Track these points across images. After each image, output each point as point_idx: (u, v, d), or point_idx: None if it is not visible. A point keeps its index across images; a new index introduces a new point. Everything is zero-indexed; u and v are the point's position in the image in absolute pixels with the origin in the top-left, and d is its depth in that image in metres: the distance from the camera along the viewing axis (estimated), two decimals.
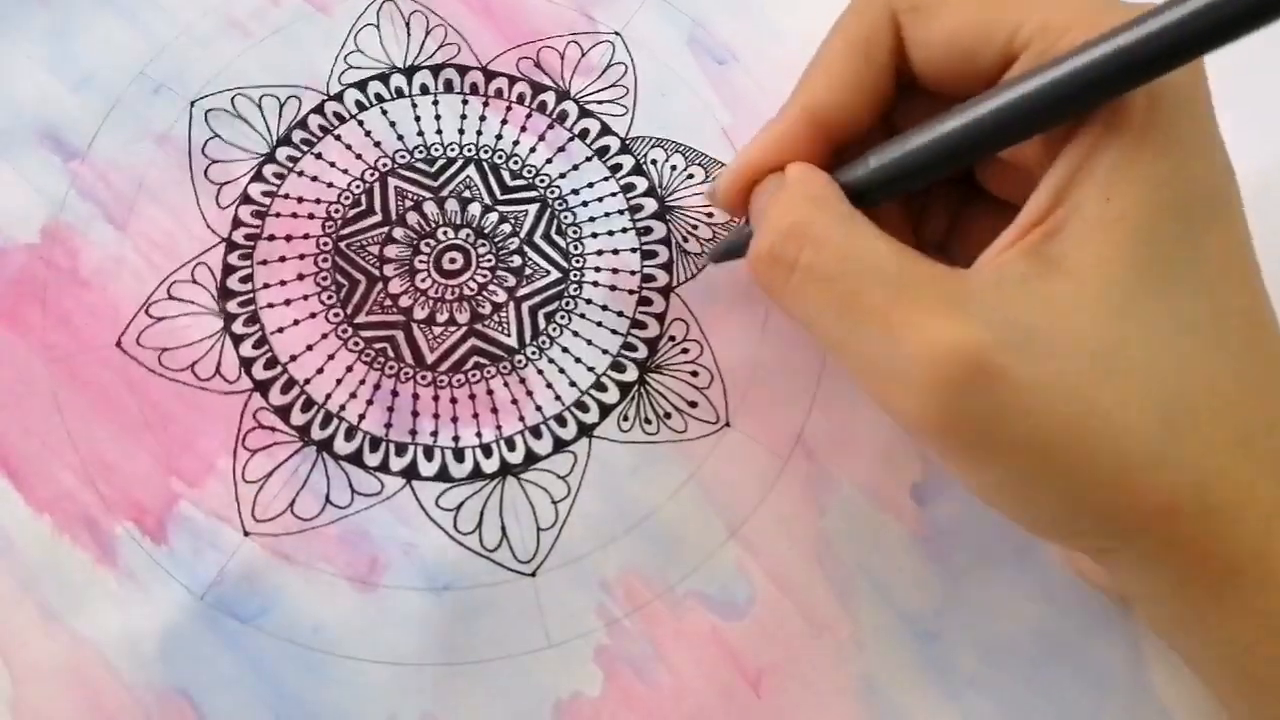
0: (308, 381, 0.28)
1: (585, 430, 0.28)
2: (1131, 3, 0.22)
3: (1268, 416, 0.21)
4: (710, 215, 0.31)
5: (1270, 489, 0.20)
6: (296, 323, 0.29)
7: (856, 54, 0.24)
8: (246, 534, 0.27)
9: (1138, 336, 0.20)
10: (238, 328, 0.28)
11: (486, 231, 0.30)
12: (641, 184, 0.31)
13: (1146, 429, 0.20)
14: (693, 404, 0.29)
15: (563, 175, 0.31)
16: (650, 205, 0.31)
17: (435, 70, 0.32)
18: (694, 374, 0.29)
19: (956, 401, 0.20)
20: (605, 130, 0.31)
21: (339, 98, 0.31)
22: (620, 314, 0.29)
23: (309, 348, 0.28)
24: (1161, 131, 0.21)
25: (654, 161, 0.31)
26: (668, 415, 0.28)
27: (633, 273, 0.30)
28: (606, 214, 0.31)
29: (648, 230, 0.30)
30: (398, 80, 0.31)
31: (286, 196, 0.30)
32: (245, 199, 0.30)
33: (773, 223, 0.23)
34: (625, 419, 0.28)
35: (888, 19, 0.24)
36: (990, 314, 0.20)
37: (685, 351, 0.29)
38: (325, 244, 0.29)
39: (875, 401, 0.23)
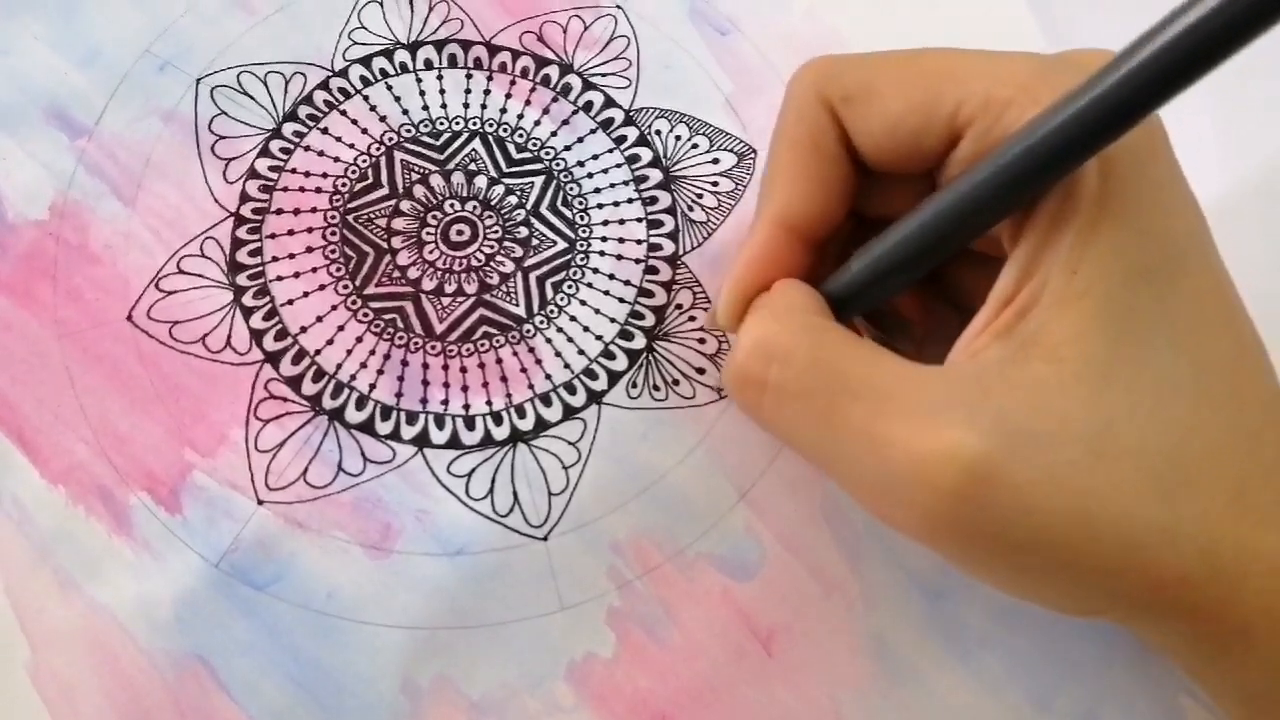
0: (318, 352, 0.28)
1: (595, 397, 0.28)
2: (1068, 55, 0.22)
3: (1263, 463, 0.21)
4: (715, 184, 0.31)
5: (1273, 541, 0.20)
6: (306, 295, 0.29)
7: (806, 152, 0.23)
8: (260, 502, 0.27)
9: (1123, 412, 0.20)
10: (248, 300, 0.29)
11: (493, 203, 0.30)
12: (646, 155, 0.31)
13: (1146, 507, 0.20)
14: (700, 370, 0.29)
15: (568, 148, 0.31)
16: (655, 175, 0.31)
17: (439, 45, 0.32)
18: (701, 341, 0.29)
19: (955, 511, 0.20)
20: (609, 102, 0.32)
21: (344, 74, 0.31)
22: (627, 282, 0.30)
23: (319, 319, 0.29)
24: (1118, 196, 0.20)
25: (658, 132, 0.31)
26: (676, 382, 0.29)
27: (639, 241, 0.30)
28: (612, 185, 0.31)
29: (653, 200, 0.31)
30: (402, 56, 0.32)
31: (294, 171, 0.30)
32: (253, 174, 0.30)
33: (740, 345, 0.22)
34: (634, 386, 0.29)
35: (825, 111, 0.23)
36: (974, 414, 0.20)
37: (692, 319, 0.29)
38: (333, 217, 0.30)
39: (871, 514, 0.22)
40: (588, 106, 0.32)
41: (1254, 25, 0.17)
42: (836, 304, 0.23)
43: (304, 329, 0.28)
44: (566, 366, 0.29)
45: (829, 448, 0.21)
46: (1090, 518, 0.19)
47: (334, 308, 0.29)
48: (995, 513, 0.20)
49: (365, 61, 0.31)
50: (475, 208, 0.30)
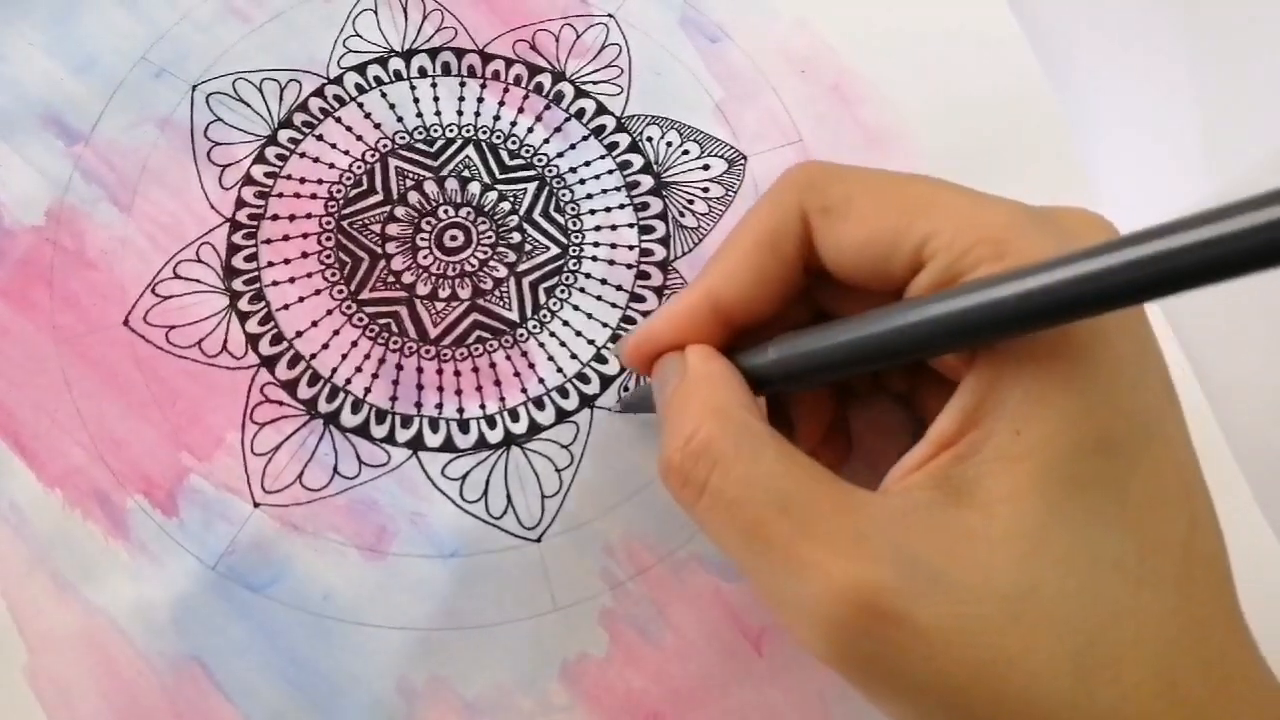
0: (314, 356, 0.29)
1: (587, 401, 0.29)
2: (1050, 212, 0.22)
3: (1202, 657, 0.19)
4: (706, 190, 0.31)
5: None
6: (302, 299, 0.29)
7: (763, 249, 0.23)
8: (256, 505, 0.27)
9: (1051, 579, 0.19)
10: (243, 305, 0.29)
11: (486, 209, 0.31)
12: (638, 161, 0.32)
13: (1056, 677, 0.19)
14: None
15: (560, 154, 0.32)
16: (647, 181, 0.31)
17: (433, 53, 0.32)
18: None
19: (855, 643, 0.19)
20: (601, 109, 0.32)
21: (339, 81, 0.32)
22: (619, 287, 0.30)
23: (314, 324, 0.29)
24: (1077, 360, 0.20)
25: (649, 139, 0.32)
26: None
27: (631, 247, 0.31)
28: (604, 191, 0.31)
29: (645, 206, 0.31)
30: (396, 64, 0.32)
31: (289, 177, 0.30)
32: (248, 180, 0.30)
33: (679, 435, 0.22)
34: (625, 390, 0.29)
35: (798, 217, 0.23)
36: (893, 550, 0.19)
37: None
38: (328, 223, 0.30)
39: (780, 626, 0.22)
40: (580, 114, 0.32)
41: (1258, 263, 0.15)
42: (751, 381, 0.23)
43: (300, 333, 0.29)
44: (559, 371, 0.29)
45: (750, 558, 0.21)
46: (995, 676, 0.19)
47: (329, 312, 0.29)
48: (895, 651, 0.19)
49: (360, 69, 0.32)
50: (469, 214, 0.31)
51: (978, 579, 0.19)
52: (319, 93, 0.31)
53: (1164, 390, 0.21)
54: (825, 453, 0.26)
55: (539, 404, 0.29)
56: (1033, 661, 0.19)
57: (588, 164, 0.31)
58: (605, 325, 0.30)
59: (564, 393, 0.29)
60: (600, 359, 0.29)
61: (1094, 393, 0.20)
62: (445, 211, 0.30)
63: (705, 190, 0.31)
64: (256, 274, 0.29)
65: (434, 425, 0.28)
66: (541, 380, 0.29)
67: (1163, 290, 0.17)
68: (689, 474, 0.21)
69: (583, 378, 0.29)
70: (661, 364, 0.24)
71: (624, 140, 0.32)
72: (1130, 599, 0.19)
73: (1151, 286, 0.17)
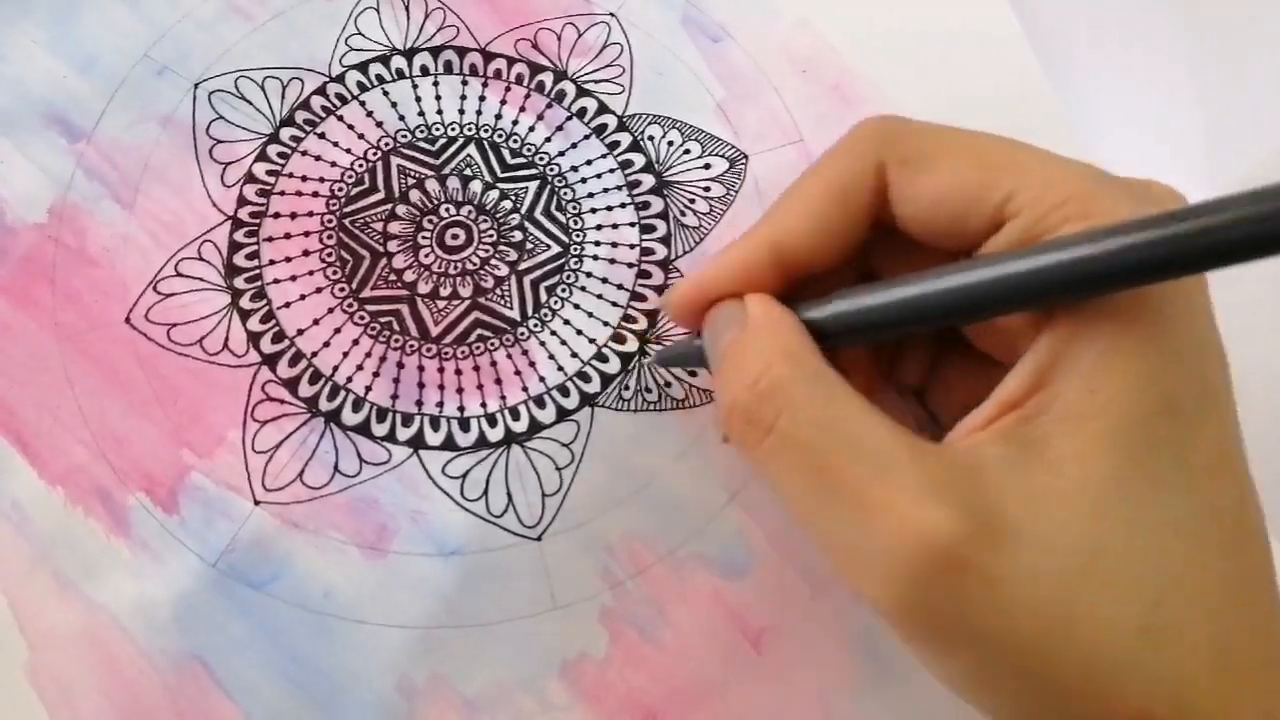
0: (315, 354, 0.29)
1: (587, 399, 0.29)
2: (1124, 180, 0.21)
3: (1251, 622, 0.20)
4: (707, 189, 0.31)
5: (1250, 701, 0.19)
6: (303, 297, 0.29)
7: (833, 198, 0.23)
8: (257, 503, 0.27)
9: (1119, 538, 0.19)
10: (245, 303, 0.29)
11: (488, 208, 0.31)
12: (639, 160, 0.32)
13: (1123, 636, 0.19)
14: (692, 373, 0.29)
15: (562, 153, 0.32)
16: (648, 181, 0.31)
17: (435, 52, 0.32)
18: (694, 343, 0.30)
19: (925, 592, 0.19)
20: (603, 108, 0.32)
21: (340, 79, 0.32)
22: (620, 286, 0.30)
23: (316, 322, 0.29)
24: (1151, 324, 0.20)
25: (651, 138, 0.32)
26: (668, 385, 0.29)
27: (631, 246, 0.31)
28: (605, 190, 0.31)
29: (646, 205, 0.31)
30: (398, 62, 0.32)
31: (291, 175, 0.30)
32: (250, 178, 0.30)
33: (746, 376, 0.22)
34: (626, 389, 0.29)
35: (873, 168, 0.23)
36: (968, 500, 0.19)
37: None
38: (330, 221, 0.30)
39: (840, 577, 0.22)
40: (581, 113, 0.32)
41: None
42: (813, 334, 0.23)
43: (301, 331, 0.29)
44: (560, 369, 0.29)
45: (815, 503, 0.21)
46: (1062, 632, 0.19)
47: (330, 310, 0.29)
48: (965, 602, 0.19)
49: (362, 67, 0.32)
50: (470, 212, 0.31)
51: (1050, 532, 0.19)
52: (321, 91, 0.31)
53: (1222, 361, 0.21)
54: None
55: (539, 402, 0.29)
56: (1100, 619, 0.19)
57: (589, 163, 0.31)
58: (606, 324, 0.30)
59: (565, 391, 0.29)
60: (601, 357, 0.29)
61: (1165, 355, 0.20)
62: (446, 210, 0.30)
63: (706, 189, 0.31)
64: (258, 272, 0.29)
65: (435, 423, 0.28)
66: (542, 379, 0.29)
67: (1250, 255, 0.18)
68: (755, 414, 0.21)
69: (584, 376, 0.29)
70: (716, 312, 0.24)
71: (625, 139, 0.32)
72: (1188, 562, 0.20)
73: (1239, 250, 0.18)
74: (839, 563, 0.21)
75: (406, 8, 0.33)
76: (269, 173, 0.30)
